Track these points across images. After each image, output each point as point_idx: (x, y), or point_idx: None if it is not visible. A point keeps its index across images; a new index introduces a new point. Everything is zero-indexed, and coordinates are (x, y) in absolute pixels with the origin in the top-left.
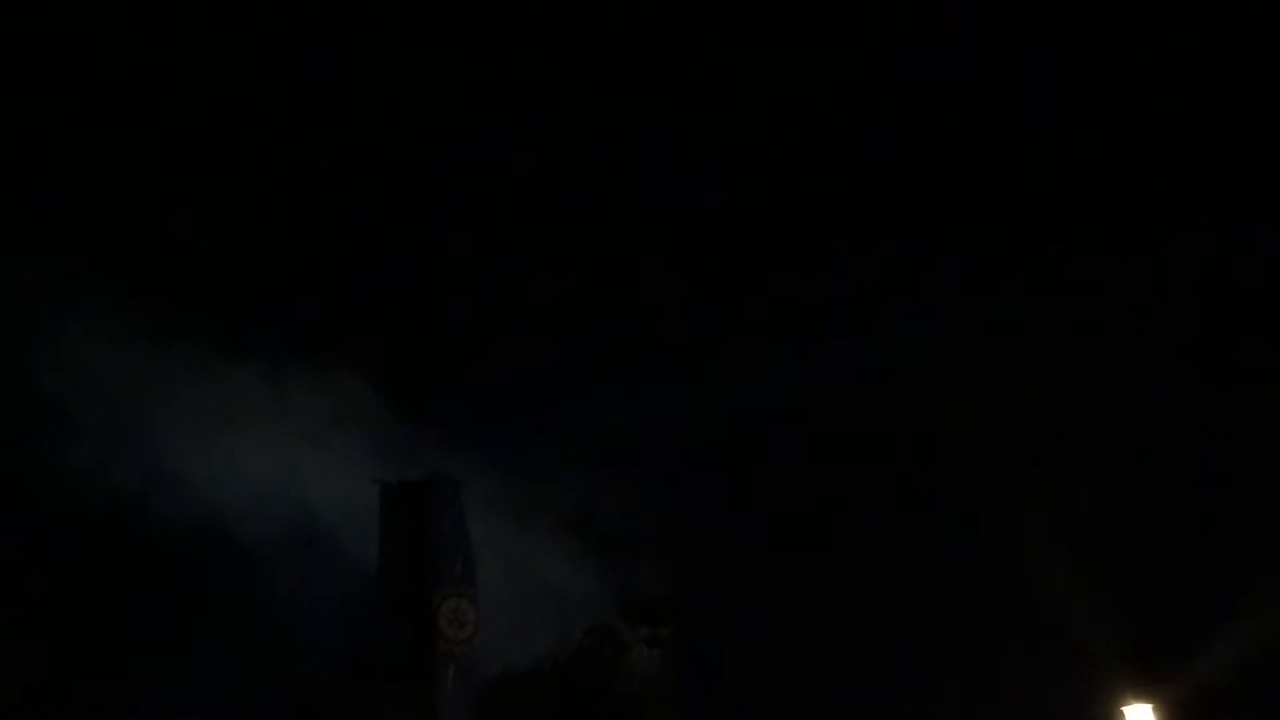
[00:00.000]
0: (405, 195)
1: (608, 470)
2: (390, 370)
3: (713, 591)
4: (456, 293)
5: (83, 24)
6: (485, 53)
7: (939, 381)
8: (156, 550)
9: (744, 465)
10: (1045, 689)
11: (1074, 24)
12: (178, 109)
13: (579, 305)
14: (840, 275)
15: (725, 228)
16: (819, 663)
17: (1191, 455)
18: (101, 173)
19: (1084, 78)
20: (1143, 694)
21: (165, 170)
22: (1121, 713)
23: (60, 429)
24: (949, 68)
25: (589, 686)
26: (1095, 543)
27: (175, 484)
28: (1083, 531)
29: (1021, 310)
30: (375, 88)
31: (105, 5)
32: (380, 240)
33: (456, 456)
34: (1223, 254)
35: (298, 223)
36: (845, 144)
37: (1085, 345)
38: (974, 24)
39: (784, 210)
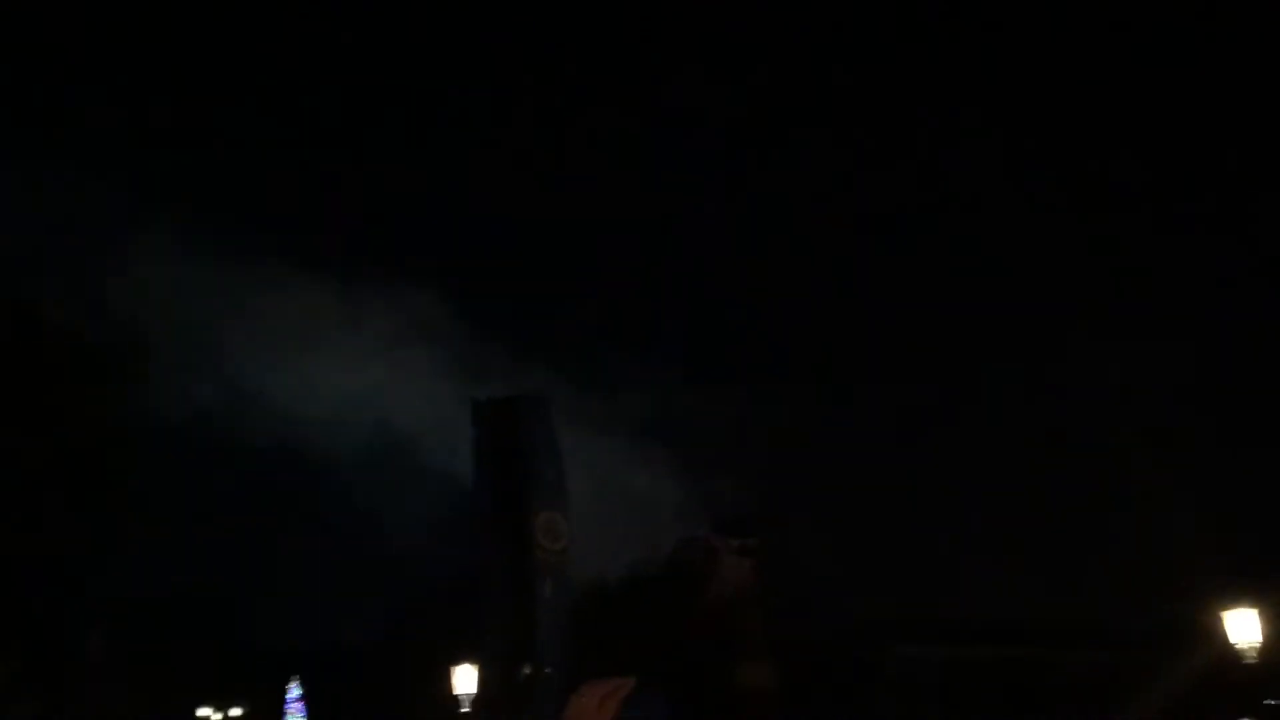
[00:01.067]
0: (474, 109)
1: (688, 382)
2: (462, 285)
3: (798, 503)
4: (529, 209)
5: None
6: None
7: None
8: (240, 467)
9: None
10: (1150, 594)
11: None
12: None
13: (653, 215)
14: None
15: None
16: (897, 572)
17: None
18: (168, 89)
19: None
20: (1247, 599)
21: (234, 89)
22: (1222, 617)
23: (136, 349)
24: None
25: (682, 595)
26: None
27: (254, 402)
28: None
29: None
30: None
31: None
32: (449, 155)
33: (532, 370)
34: None
35: (368, 136)
36: None
37: None
38: None
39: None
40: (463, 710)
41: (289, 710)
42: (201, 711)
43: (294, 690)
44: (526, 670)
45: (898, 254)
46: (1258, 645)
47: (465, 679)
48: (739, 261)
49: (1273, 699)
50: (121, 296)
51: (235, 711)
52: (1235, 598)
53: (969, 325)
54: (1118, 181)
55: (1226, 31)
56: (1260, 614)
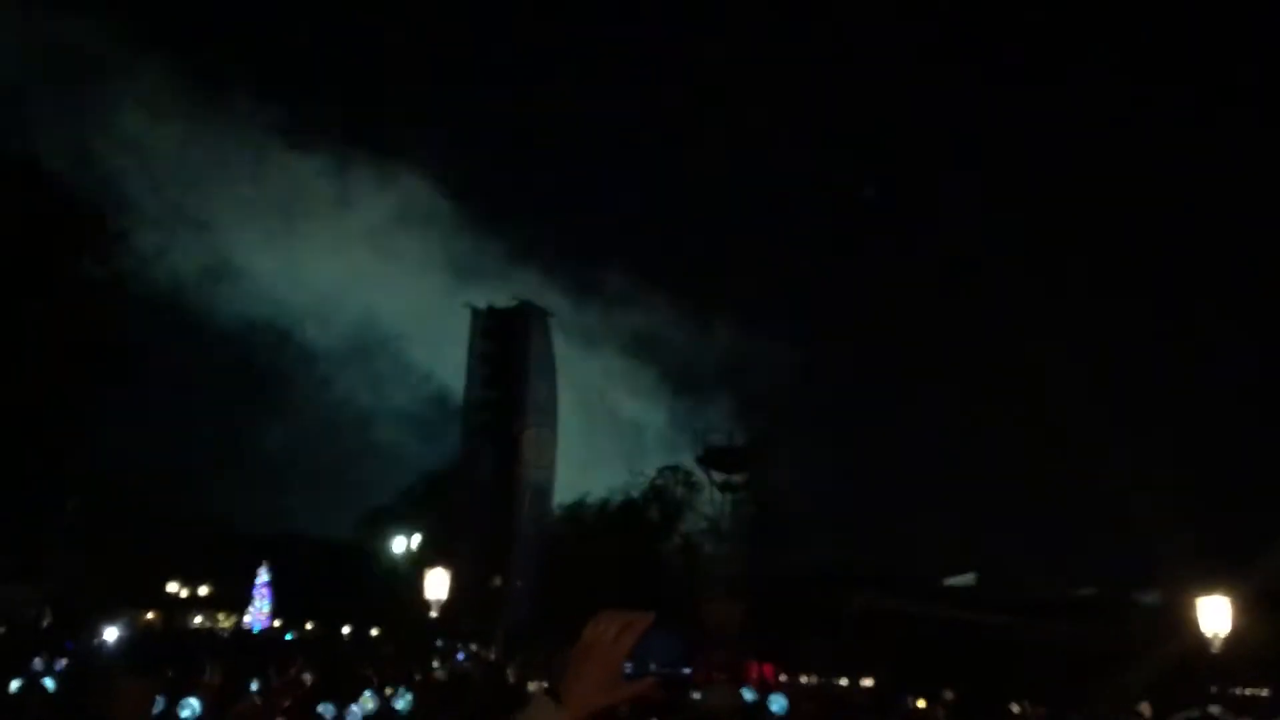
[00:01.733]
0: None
1: (682, 302)
2: (461, 178)
3: (785, 440)
4: (537, 108)
5: None
6: None
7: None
8: (220, 345)
9: (821, 305)
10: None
11: None
12: None
13: (665, 130)
14: None
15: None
16: (883, 514)
17: None
18: None
19: None
20: (1219, 586)
21: None
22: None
23: (117, 208)
24: None
25: (658, 523)
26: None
27: (237, 278)
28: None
29: None
30: None
31: None
32: (450, 36)
33: (526, 274)
34: None
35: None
36: None
37: None
38: None
39: None
40: (431, 614)
41: (257, 594)
42: (170, 587)
43: (263, 575)
44: (498, 581)
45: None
46: (1225, 634)
47: (437, 583)
48: (745, 189)
49: (1244, 685)
50: (108, 150)
51: (203, 590)
52: (1209, 585)
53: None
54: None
55: None
56: (1232, 603)
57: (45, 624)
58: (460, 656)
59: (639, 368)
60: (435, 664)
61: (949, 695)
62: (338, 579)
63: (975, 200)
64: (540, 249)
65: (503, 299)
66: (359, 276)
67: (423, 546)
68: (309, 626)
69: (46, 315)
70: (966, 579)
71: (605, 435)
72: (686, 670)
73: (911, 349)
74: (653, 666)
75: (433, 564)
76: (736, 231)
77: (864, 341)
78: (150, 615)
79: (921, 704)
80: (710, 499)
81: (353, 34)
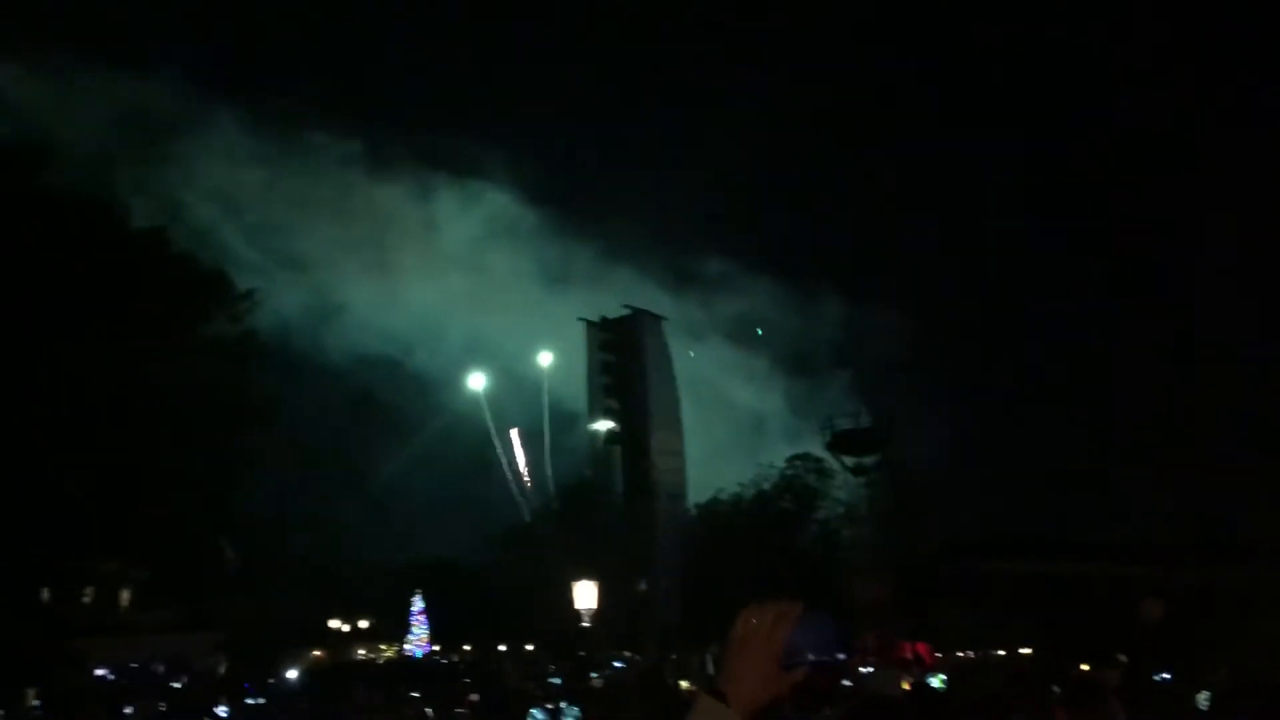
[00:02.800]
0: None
1: (785, 282)
2: (540, 184)
3: (911, 412)
4: (614, 107)
5: None
6: None
7: None
8: (329, 380)
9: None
10: None
11: None
12: None
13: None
14: None
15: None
16: (1021, 478)
17: None
18: None
19: None
20: None
21: None
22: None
23: (215, 255)
24: None
25: (794, 512)
26: None
27: (339, 314)
28: None
29: None
30: None
31: None
32: (524, 50)
33: (617, 271)
34: None
35: (436, 33)
36: None
37: None
38: None
39: None
40: (583, 624)
41: (413, 622)
42: (332, 623)
43: (417, 604)
44: (642, 586)
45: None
46: None
47: (585, 594)
48: (834, 159)
49: None
50: (197, 202)
51: (363, 623)
52: None
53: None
54: None
55: None
56: None
57: (222, 670)
58: (617, 664)
59: (749, 354)
60: (593, 674)
61: (1121, 659)
62: (487, 600)
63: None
64: (632, 245)
65: (609, 306)
66: (457, 297)
67: (566, 559)
68: (466, 648)
69: (188, 374)
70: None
71: (726, 428)
72: (842, 656)
73: (1033, 303)
74: (810, 656)
75: (578, 576)
76: (830, 204)
77: (982, 301)
78: (317, 652)
79: (1085, 668)
80: (843, 483)
81: (416, 58)
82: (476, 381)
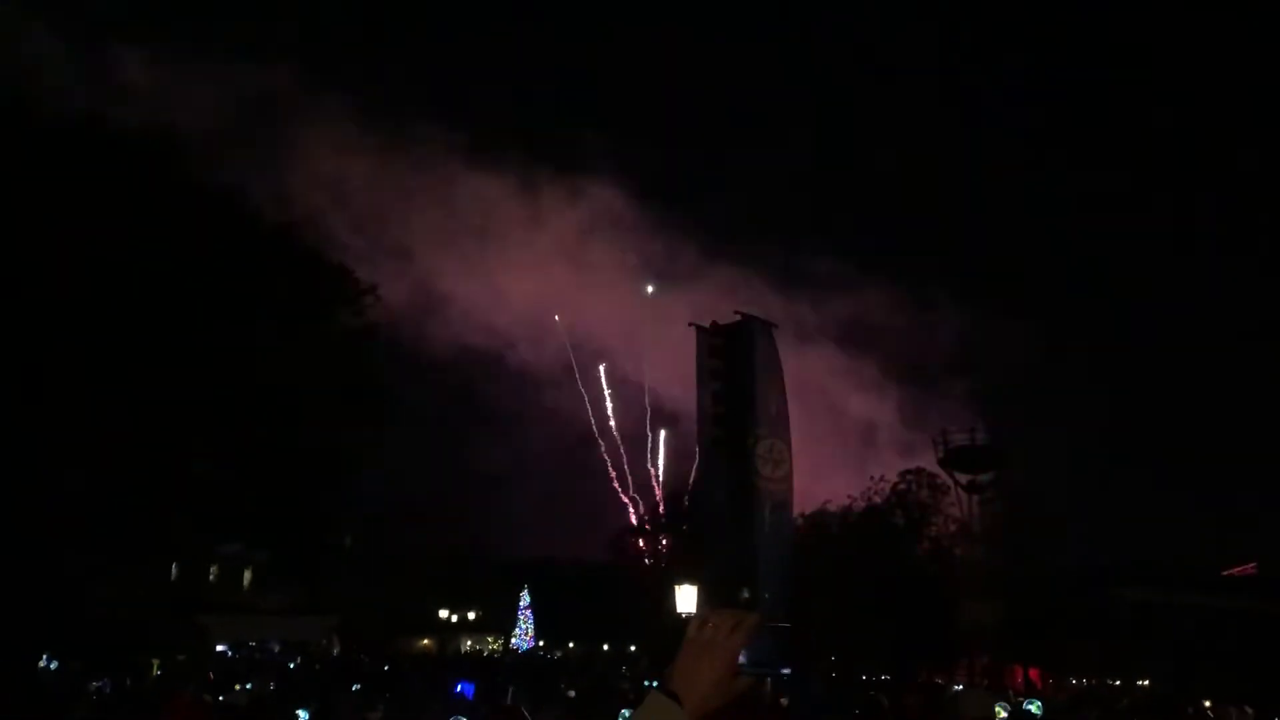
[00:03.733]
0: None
1: (896, 287)
2: (644, 178)
3: (1029, 427)
4: (713, 91)
5: None
6: None
7: None
8: (437, 373)
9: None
10: None
11: None
12: None
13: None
14: None
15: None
16: (1146, 503)
17: None
18: None
19: None
20: None
21: None
22: None
23: (321, 245)
24: None
25: (904, 528)
26: None
27: (443, 306)
28: None
29: None
30: None
31: None
32: (628, 41)
33: (720, 266)
34: None
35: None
36: None
37: None
38: None
39: None
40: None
41: (520, 616)
42: (442, 613)
43: (524, 599)
44: (745, 594)
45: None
46: None
47: (687, 599)
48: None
49: None
50: (304, 190)
51: (471, 615)
52: None
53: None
54: None
55: None
56: None
57: (335, 652)
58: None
59: (858, 360)
60: None
61: (1249, 711)
62: (593, 599)
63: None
64: (738, 242)
65: (715, 303)
66: (557, 290)
67: (671, 563)
68: (570, 646)
69: (313, 364)
70: (1246, 569)
71: (835, 437)
72: (786, 671)
73: (1165, 314)
74: (759, 667)
75: (681, 580)
76: (946, 205)
77: (1110, 311)
78: (426, 641)
79: (1208, 704)
80: (957, 500)
81: (518, 50)
82: (604, 366)
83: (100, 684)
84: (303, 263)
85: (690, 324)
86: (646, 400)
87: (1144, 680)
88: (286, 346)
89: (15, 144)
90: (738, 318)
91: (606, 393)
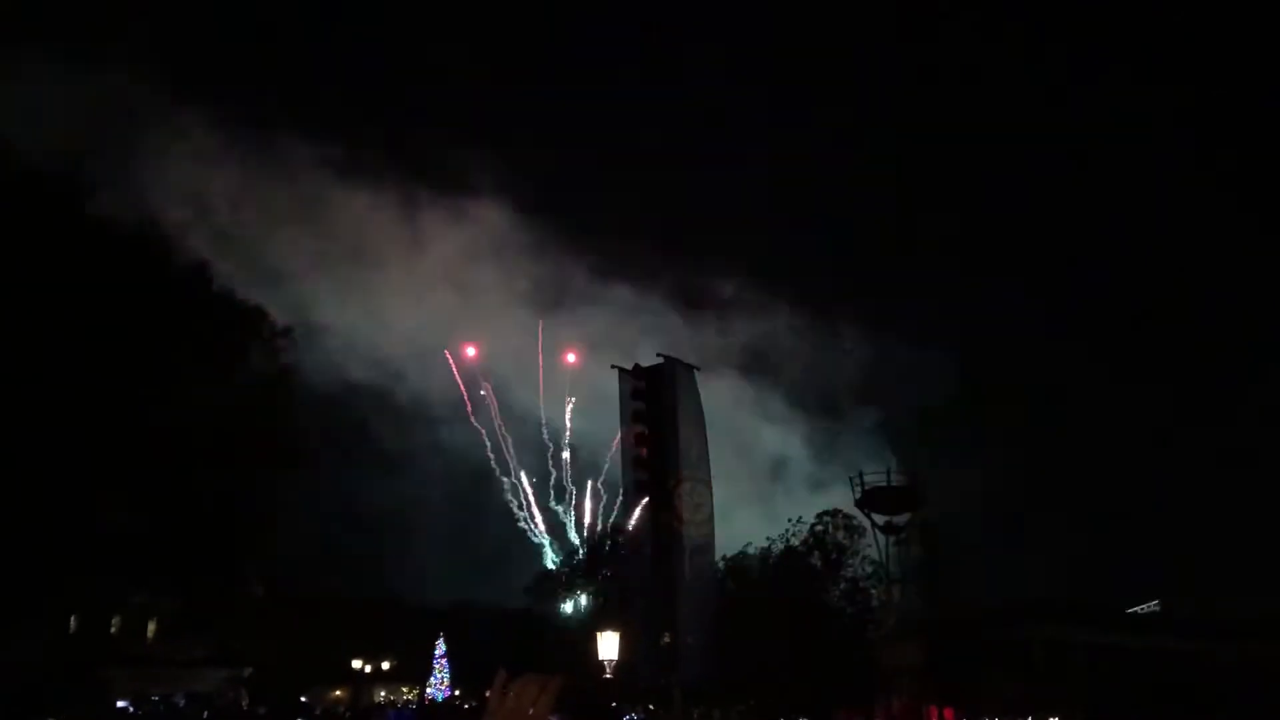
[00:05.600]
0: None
1: (802, 311)
2: (530, 197)
3: (943, 462)
4: (598, 100)
5: None
6: None
7: None
8: (323, 409)
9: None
10: None
11: None
12: None
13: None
14: None
15: None
16: (1055, 552)
17: None
18: None
19: None
20: None
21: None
22: None
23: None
24: None
25: (821, 569)
26: None
27: (321, 336)
28: None
29: None
30: None
31: None
32: (498, 46)
33: (615, 289)
34: None
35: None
36: None
37: None
38: None
39: None
40: (605, 676)
41: (436, 665)
42: (355, 663)
43: (440, 647)
44: (666, 639)
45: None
46: None
47: (608, 645)
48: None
49: None
50: (168, 205)
51: (385, 664)
52: None
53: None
54: None
55: None
56: None
57: (244, 705)
58: (634, 718)
59: (764, 389)
60: None
61: None
62: (512, 645)
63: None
64: (635, 261)
65: (616, 337)
66: (442, 317)
67: (592, 609)
68: (487, 695)
69: (226, 408)
70: (1151, 606)
71: (746, 470)
72: None
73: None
74: None
75: (603, 626)
76: (850, 225)
77: (1022, 340)
78: (338, 692)
79: None
80: (873, 541)
81: (395, 59)
82: (487, 392)
83: None
84: (215, 303)
85: (613, 365)
86: (545, 435)
87: (1055, 718)
88: (200, 390)
89: None
90: (660, 360)
91: (499, 425)
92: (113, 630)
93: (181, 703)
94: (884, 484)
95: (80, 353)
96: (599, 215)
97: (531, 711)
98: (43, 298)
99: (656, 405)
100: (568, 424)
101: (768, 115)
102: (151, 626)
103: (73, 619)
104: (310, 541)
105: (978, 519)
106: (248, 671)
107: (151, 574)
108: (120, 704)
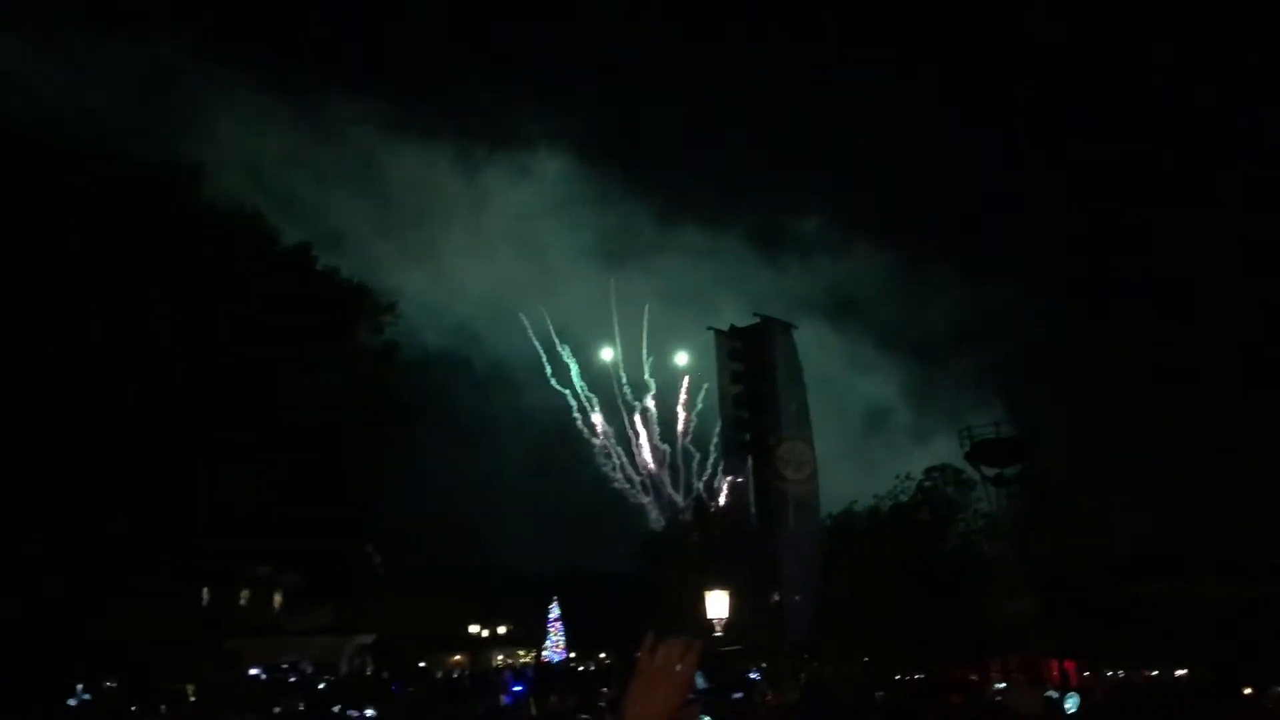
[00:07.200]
0: None
1: (894, 255)
2: (595, 147)
3: (1060, 430)
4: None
5: None
6: None
7: None
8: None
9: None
10: None
11: None
12: None
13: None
14: None
15: None
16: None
17: None
18: None
19: None
20: None
21: None
22: None
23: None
24: None
25: (931, 525)
26: None
27: (391, 298)
28: None
29: None
30: None
31: None
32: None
33: (683, 236)
34: None
35: None
36: None
37: None
38: None
39: None
40: (715, 634)
41: (549, 629)
42: (471, 628)
43: (554, 611)
44: (775, 597)
45: None
46: None
47: (717, 604)
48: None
49: None
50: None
51: (501, 629)
52: None
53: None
54: None
55: None
56: None
57: (368, 670)
58: (753, 675)
59: (855, 335)
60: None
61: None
62: (622, 607)
63: None
64: (704, 204)
65: (741, 316)
66: (512, 281)
67: (699, 567)
68: (602, 656)
69: (335, 384)
70: None
71: (870, 441)
72: (738, 695)
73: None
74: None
75: (711, 585)
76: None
77: (1134, 281)
78: (457, 657)
79: (1249, 691)
80: (984, 495)
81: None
82: (607, 354)
83: (136, 711)
84: (320, 281)
85: (708, 328)
86: (628, 394)
87: (1181, 670)
88: (309, 368)
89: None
90: (757, 319)
91: (580, 388)
92: (242, 602)
93: (309, 670)
94: (992, 436)
95: (197, 338)
96: (661, 158)
97: (679, 668)
98: (156, 287)
99: (755, 365)
100: (649, 382)
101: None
102: (278, 598)
103: (204, 592)
104: (415, 512)
105: (1103, 467)
106: (370, 638)
107: (273, 548)
108: (252, 672)
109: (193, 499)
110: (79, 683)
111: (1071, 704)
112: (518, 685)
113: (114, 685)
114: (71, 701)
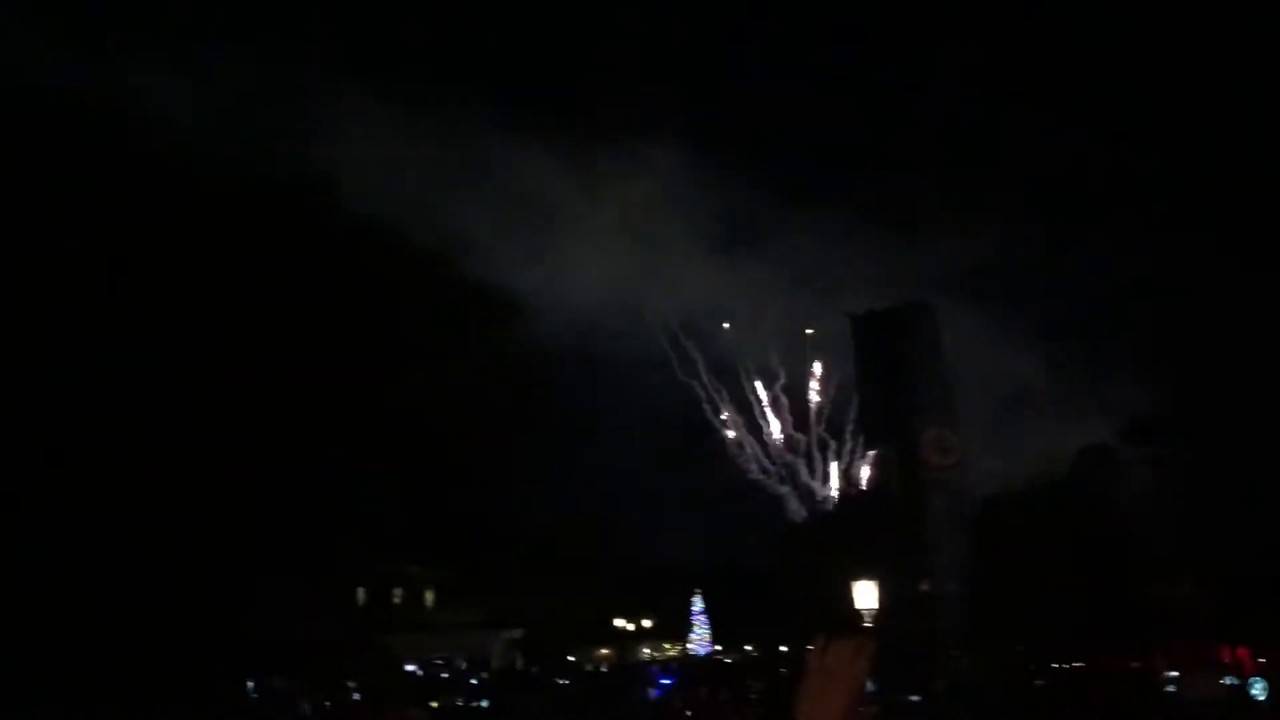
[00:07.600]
0: None
1: (1026, 228)
2: (713, 139)
3: (1219, 409)
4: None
5: None
6: None
7: None
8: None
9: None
10: None
11: None
12: None
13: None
14: None
15: None
16: None
17: None
18: None
19: None
20: None
21: None
22: None
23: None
24: None
25: (1083, 507)
26: None
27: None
28: None
29: None
30: None
31: None
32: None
33: (806, 222)
34: None
35: None
36: None
37: None
38: None
39: None
40: (865, 625)
41: (694, 622)
42: (617, 622)
43: (697, 604)
44: (924, 587)
45: None
46: None
47: (865, 594)
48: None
49: None
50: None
51: (646, 622)
52: None
53: None
54: None
55: None
56: None
57: (518, 665)
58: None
59: (997, 311)
60: None
61: None
62: (766, 600)
63: None
64: (825, 181)
65: (875, 299)
66: (628, 272)
67: (846, 558)
68: (747, 649)
69: (479, 387)
70: None
71: (1020, 424)
72: (915, 698)
73: None
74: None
75: (859, 576)
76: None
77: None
78: (603, 650)
79: None
80: (1135, 477)
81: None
82: (732, 344)
83: (306, 705)
84: (464, 288)
85: (845, 313)
86: (758, 385)
87: None
88: (456, 373)
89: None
90: (891, 304)
91: (708, 381)
92: (395, 601)
93: (463, 665)
94: (1148, 415)
95: (352, 350)
96: (780, 139)
97: (852, 669)
98: (310, 298)
99: (894, 350)
100: (780, 373)
101: None
102: (429, 595)
103: (360, 592)
104: (555, 509)
105: (1258, 443)
106: (518, 633)
107: (425, 547)
108: (408, 668)
109: (343, 503)
110: (250, 680)
111: (1259, 689)
112: (665, 678)
113: (280, 682)
114: (250, 687)
